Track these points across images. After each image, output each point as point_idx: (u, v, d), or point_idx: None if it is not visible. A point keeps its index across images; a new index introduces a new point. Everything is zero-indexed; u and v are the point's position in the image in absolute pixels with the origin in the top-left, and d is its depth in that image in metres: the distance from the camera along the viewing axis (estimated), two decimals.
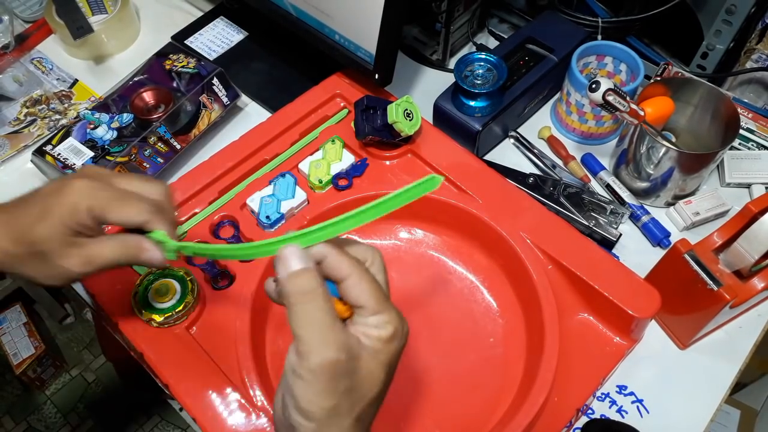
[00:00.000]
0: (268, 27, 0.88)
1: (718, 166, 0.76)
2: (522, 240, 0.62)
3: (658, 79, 0.78)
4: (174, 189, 0.67)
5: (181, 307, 0.59)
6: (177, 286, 0.60)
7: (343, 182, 0.69)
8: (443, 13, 0.80)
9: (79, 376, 1.65)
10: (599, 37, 0.80)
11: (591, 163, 0.77)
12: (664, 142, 0.67)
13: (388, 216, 0.67)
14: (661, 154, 0.67)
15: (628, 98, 0.64)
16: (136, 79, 0.79)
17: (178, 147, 0.75)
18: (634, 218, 0.72)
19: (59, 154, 0.73)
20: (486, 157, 0.79)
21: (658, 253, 0.68)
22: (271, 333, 0.61)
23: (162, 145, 0.74)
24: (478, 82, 0.73)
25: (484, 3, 0.86)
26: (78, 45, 0.86)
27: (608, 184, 0.74)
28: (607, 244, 0.69)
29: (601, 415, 0.60)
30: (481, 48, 0.88)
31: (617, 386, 0.62)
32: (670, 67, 0.79)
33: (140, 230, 0.47)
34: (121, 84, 0.79)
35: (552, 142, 0.79)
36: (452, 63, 0.85)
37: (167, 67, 0.79)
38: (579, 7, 0.84)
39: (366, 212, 0.38)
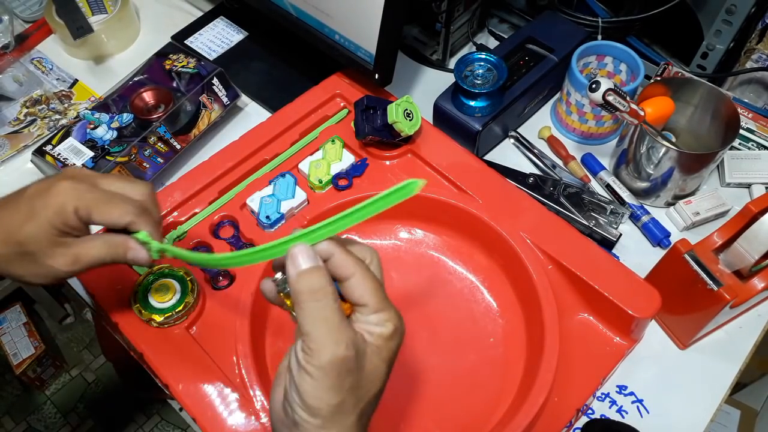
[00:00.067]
0: (268, 27, 0.88)
1: (718, 166, 0.76)
2: (522, 240, 0.62)
3: (658, 79, 0.78)
4: (174, 189, 0.67)
5: (181, 307, 0.59)
6: (177, 286, 0.60)
7: (343, 182, 0.69)
8: (443, 13, 0.80)
9: (79, 376, 1.65)
10: (599, 37, 0.80)
11: (591, 163, 0.77)
12: (664, 142, 0.67)
13: (388, 216, 0.67)
14: (661, 154, 0.67)
15: (628, 98, 0.64)
16: (136, 79, 0.79)
17: (178, 147, 0.75)
18: (634, 218, 0.72)
19: (59, 154, 0.73)
20: (486, 157, 0.79)
21: (658, 253, 0.68)
22: (271, 333, 0.61)
23: (162, 145, 0.74)
24: (478, 82, 0.73)
25: (484, 3, 0.86)
26: (78, 45, 0.86)
27: (608, 184, 0.74)
28: (607, 244, 0.69)
29: (602, 415, 0.60)
30: (481, 48, 0.88)
31: (617, 386, 0.62)
32: (670, 67, 0.79)
33: (125, 231, 0.48)
34: (121, 84, 0.79)
35: (552, 142, 0.79)
36: (452, 63, 0.85)
37: (167, 67, 0.79)
38: (579, 7, 0.84)
39: (352, 215, 0.38)
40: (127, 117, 0.75)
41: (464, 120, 0.73)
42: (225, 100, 0.79)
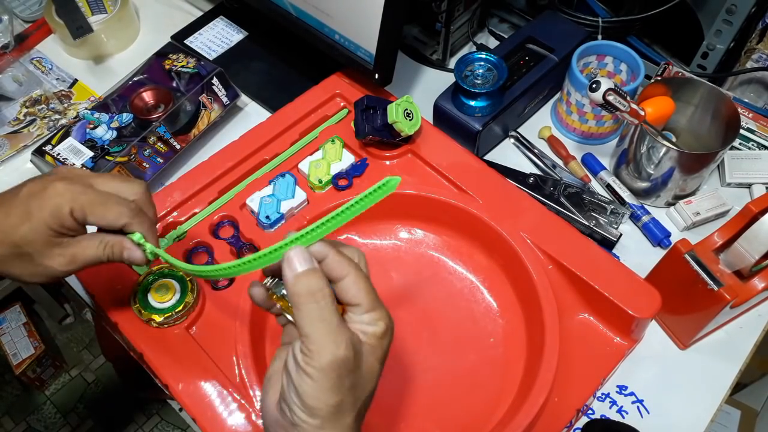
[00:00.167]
0: (268, 27, 0.88)
1: (718, 166, 0.76)
2: (522, 240, 0.62)
3: (659, 78, 0.78)
4: (174, 189, 0.67)
5: (180, 307, 0.59)
6: (177, 286, 0.60)
7: (343, 182, 0.68)
8: (443, 12, 0.80)
9: (78, 376, 1.65)
10: (599, 36, 0.80)
11: (591, 163, 0.77)
12: (665, 142, 0.67)
13: (388, 216, 0.67)
14: (661, 154, 0.67)
15: (628, 98, 0.64)
16: (135, 78, 0.79)
17: (178, 147, 0.75)
18: (634, 218, 0.72)
19: (59, 154, 0.73)
20: (486, 157, 0.78)
21: (659, 253, 0.68)
22: (271, 333, 0.61)
23: (161, 145, 0.74)
24: (479, 81, 0.73)
25: (484, 3, 0.86)
26: (78, 45, 0.86)
27: (608, 184, 0.74)
28: (608, 244, 0.69)
29: (602, 416, 0.60)
30: (481, 48, 0.88)
31: (617, 386, 0.62)
32: (670, 66, 0.79)
33: (120, 231, 0.49)
34: (120, 84, 0.79)
35: (552, 142, 0.79)
36: (452, 63, 0.85)
37: (167, 66, 0.79)
38: (579, 7, 0.84)
39: (339, 216, 0.38)
40: (126, 117, 0.75)
41: (464, 120, 0.73)
42: (225, 100, 0.79)
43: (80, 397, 1.61)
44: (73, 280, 0.67)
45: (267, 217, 0.65)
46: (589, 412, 0.61)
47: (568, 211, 0.70)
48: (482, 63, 0.74)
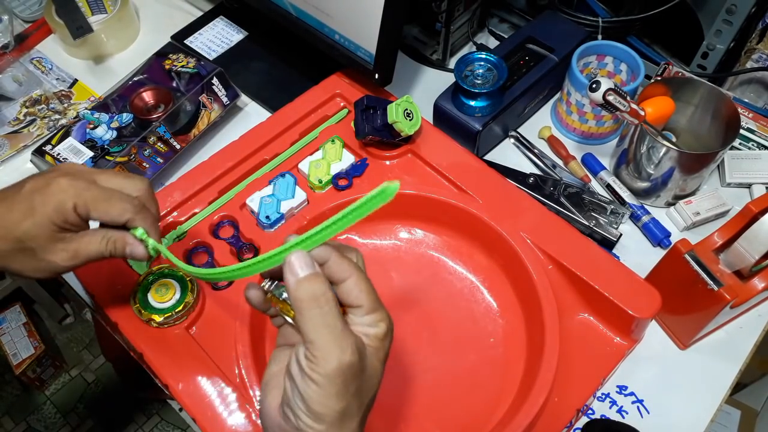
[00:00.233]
0: (268, 27, 0.88)
1: (718, 166, 0.76)
2: (522, 240, 0.62)
3: (659, 78, 0.78)
4: (174, 189, 0.67)
5: (180, 307, 0.59)
6: (177, 286, 0.60)
7: (343, 182, 0.68)
8: (443, 12, 0.80)
9: (78, 376, 1.65)
10: (599, 36, 0.80)
11: (591, 163, 0.77)
12: (665, 142, 0.67)
13: (388, 216, 0.67)
14: (661, 154, 0.67)
15: (628, 98, 0.64)
16: (135, 78, 0.79)
17: (178, 147, 0.75)
18: (634, 218, 0.72)
19: (59, 154, 0.73)
20: (486, 157, 0.78)
21: (659, 253, 0.68)
22: (271, 333, 0.61)
23: (162, 145, 0.74)
24: (479, 81, 0.73)
25: (484, 3, 0.86)
26: (78, 45, 0.86)
27: (608, 184, 0.74)
28: (608, 244, 0.69)
29: (602, 416, 0.60)
30: (481, 48, 0.88)
31: (617, 386, 0.62)
32: (670, 66, 0.79)
33: (123, 227, 0.49)
34: (120, 84, 0.79)
35: (552, 142, 0.79)
36: (452, 63, 0.85)
37: (167, 66, 0.79)
38: (579, 7, 0.84)
39: (339, 222, 0.38)
40: (126, 117, 0.75)
41: (464, 120, 0.73)
42: (225, 99, 0.79)
43: (80, 397, 1.61)
44: (73, 280, 0.67)
45: (267, 217, 0.65)
46: (589, 412, 0.61)
47: (568, 211, 0.70)
48: (482, 63, 0.74)
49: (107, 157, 0.71)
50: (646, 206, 0.73)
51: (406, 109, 0.67)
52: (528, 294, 0.61)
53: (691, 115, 0.74)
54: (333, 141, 0.71)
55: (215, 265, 0.63)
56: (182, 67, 0.78)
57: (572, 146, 0.79)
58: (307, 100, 0.74)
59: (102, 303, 0.60)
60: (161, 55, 0.80)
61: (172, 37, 0.90)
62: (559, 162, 0.77)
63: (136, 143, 0.72)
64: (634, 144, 0.70)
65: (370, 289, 0.38)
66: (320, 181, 0.68)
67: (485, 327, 0.63)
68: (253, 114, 0.83)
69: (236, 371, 0.56)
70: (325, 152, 0.70)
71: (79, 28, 0.81)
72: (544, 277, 0.60)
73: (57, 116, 0.83)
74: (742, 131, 0.77)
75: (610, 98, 0.63)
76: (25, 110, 0.84)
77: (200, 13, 0.93)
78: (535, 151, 0.78)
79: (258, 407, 0.54)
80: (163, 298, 0.59)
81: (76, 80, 0.87)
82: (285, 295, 0.39)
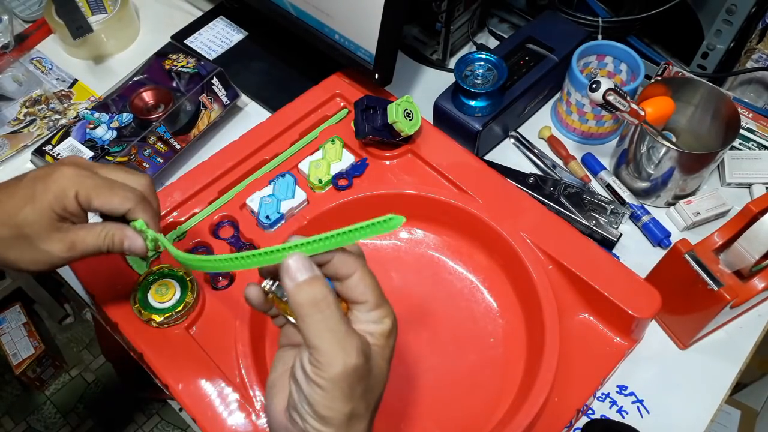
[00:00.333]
0: (268, 27, 0.88)
1: (718, 166, 0.76)
2: (522, 240, 0.62)
3: (659, 78, 0.78)
4: (174, 189, 0.67)
5: (180, 307, 0.59)
6: (177, 286, 0.60)
7: (343, 182, 0.68)
8: (443, 12, 0.80)
9: (78, 376, 1.65)
10: (599, 36, 0.80)
11: (591, 163, 0.77)
12: (665, 142, 0.67)
13: None
14: (661, 154, 0.67)
15: (628, 98, 0.64)
16: (135, 78, 0.79)
17: (178, 147, 0.75)
18: (634, 218, 0.72)
19: (59, 154, 0.73)
20: (486, 157, 0.78)
21: (659, 253, 0.68)
22: (271, 333, 0.61)
23: (162, 145, 0.74)
24: (479, 81, 0.73)
25: (484, 3, 0.86)
26: (77, 45, 0.86)
27: (608, 184, 0.74)
28: (608, 244, 0.69)
29: (602, 416, 0.60)
30: (481, 48, 0.88)
31: (617, 386, 0.62)
32: (670, 66, 0.79)
33: (122, 220, 0.48)
34: (120, 84, 0.79)
35: (552, 142, 0.79)
36: (452, 63, 0.85)
37: (167, 66, 0.79)
38: (579, 7, 0.84)
39: (341, 236, 0.37)
40: (126, 117, 0.75)
41: (464, 120, 0.73)
42: (225, 99, 0.79)
43: (80, 397, 1.61)
44: (73, 280, 0.67)
45: (267, 217, 0.65)
46: (589, 412, 0.61)
47: (568, 211, 0.70)
48: (482, 63, 0.74)
49: (107, 157, 0.71)
50: (646, 206, 0.73)
51: (406, 109, 0.67)
52: (528, 294, 0.61)
53: (691, 115, 0.74)
54: (333, 141, 0.71)
55: None
56: (182, 67, 0.78)
57: (572, 146, 0.79)
58: (307, 100, 0.74)
59: (102, 303, 0.60)
60: (161, 55, 0.80)
61: (172, 37, 0.90)
62: (559, 162, 0.77)
63: (136, 143, 0.72)
64: (634, 144, 0.70)
65: (375, 284, 0.37)
66: (320, 181, 0.68)
67: (485, 327, 0.63)
68: (253, 114, 0.83)
69: (236, 371, 0.56)
70: (325, 152, 0.70)
71: (79, 28, 0.81)
72: (544, 277, 0.60)
73: (57, 116, 0.83)
74: (742, 131, 0.77)
75: (610, 98, 0.63)
76: (25, 110, 0.84)
77: (200, 13, 0.93)
78: (535, 151, 0.78)
79: (258, 407, 0.54)
80: (163, 298, 0.59)
81: (76, 80, 0.87)
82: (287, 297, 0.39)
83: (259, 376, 0.55)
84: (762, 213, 0.57)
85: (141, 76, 0.79)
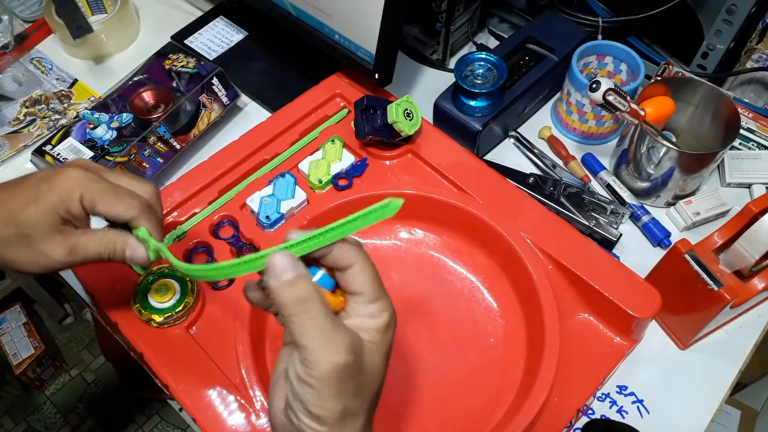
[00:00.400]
0: (268, 27, 0.88)
1: (718, 166, 0.76)
2: (522, 240, 0.62)
3: (659, 78, 0.78)
4: (174, 189, 0.67)
5: (180, 307, 0.59)
6: (177, 286, 0.60)
7: (343, 182, 0.68)
8: (443, 12, 0.80)
9: (78, 376, 1.65)
10: (599, 36, 0.80)
11: (591, 163, 0.77)
12: (665, 142, 0.67)
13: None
14: (661, 154, 0.67)
15: (628, 98, 0.64)
16: (135, 78, 0.79)
17: (178, 147, 0.75)
18: (634, 218, 0.72)
19: (59, 154, 0.73)
20: (486, 157, 0.78)
21: (659, 253, 0.68)
22: (271, 333, 0.61)
23: (161, 145, 0.74)
24: (479, 81, 0.73)
25: (484, 3, 0.86)
26: (77, 45, 0.86)
27: (608, 184, 0.74)
28: (608, 244, 0.69)
29: (602, 416, 0.60)
30: (481, 48, 0.88)
31: (617, 386, 0.62)
32: (670, 66, 0.79)
33: (125, 227, 0.48)
34: (120, 84, 0.79)
35: (552, 142, 0.79)
36: (452, 63, 0.85)
37: (167, 66, 0.79)
38: (579, 7, 0.84)
39: (337, 229, 0.37)
40: (126, 117, 0.75)
41: (464, 120, 0.73)
42: (225, 99, 0.79)
43: (80, 397, 1.61)
44: (73, 280, 0.67)
45: (267, 217, 0.65)
46: (589, 412, 0.61)
47: (568, 211, 0.70)
48: (482, 63, 0.74)
49: (107, 157, 0.71)
50: (646, 206, 0.73)
51: (406, 109, 0.67)
52: (528, 294, 0.61)
53: (691, 115, 0.74)
54: (333, 141, 0.71)
55: None
56: (182, 67, 0.78)
57: (572, 146, 0.79)
58: (307, 100, 0.74)
59: (102, 303, 0.60)
60: (161, 55, 0.80)
61: (172, 37, 0.90)
62: (559, 162, 0.77)
63: (136, 143, 0.72)
64: (634, 144, 0.70)
65: (374, 276, 0.37)
66: (320, 181, 0.68)
67: (485, 327, 0.63)
68: (253, 114, 0.83)
69: (236, 371, 0.56)
70: (325, 152, 0.70)
71: (79, 28, 0.81)
72: (544, 277, 0.60)
73: (57, 116, 0.83)
74: (742, 131, 0.77)
75: (610, 98, 0.63)
76: (25, 110, 0.84)
77: (200, 13, 0.93)
78: (535, 151, 0.78)
79: (258, 407, 0.54)
80: (163, 298, 0.59)
81: (76, 80, 0.87)
82: None
83: (259, 376, 0.55)
84: (762, 213, 0.57)
85: (141, 76, 0.79)
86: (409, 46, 0.89)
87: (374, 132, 0.68)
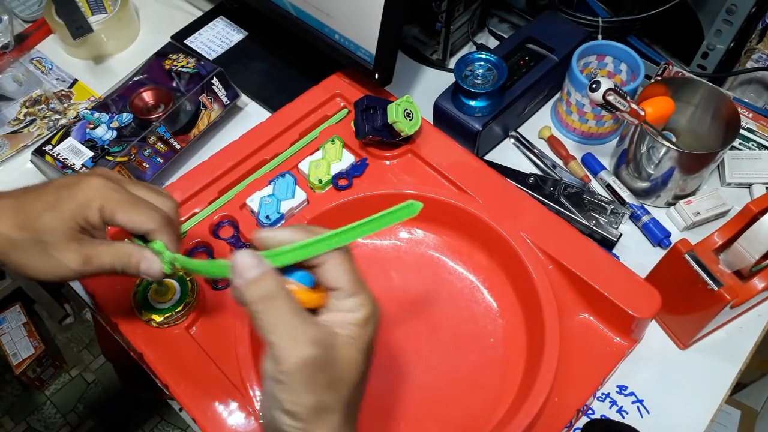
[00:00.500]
0: (268, 27, 0.88)
1: (718, 166, 0.76)
2: (522, 240, 0.62)
3: (659, 78, 0.78)
4: (174, 189, 0.67)
5: (181, 307, 0.59)
6: (177, 286, 0.60)
7: (343, 182, 0.68)
8: (443, 12, 0.80)
9: (78, 376, 1.65)
10: (599, 36, 0.80)
11: (591, 163, 0.77)
12: (665, 142, 0.67)
13: None
14: (661, 154, 0.67)
15: (628, 98, 0.64)
16: (135, 78, 0.78)
17: (178, 147, 0.75)
18: (634, 218, 0.72)
19: (59, 154, 0.73)
20: (486, 157, 0.78)
21: (659, 253, 0.68)
22: None
23: (161, 145, 0.74)
24: (479, 81, 0.73)
25: (484, 3, 0.86)
26: (77, 45, 0.86)
27: (608, 184, 0.74)
28: (608, 244, 0.69)
29: (602, 416, 0.60)
30: (481, 48, 0.88)
31: (617, 386, 0.62)
32: (670, 66, 0.79)
33: (141, 239, 0.47)
34: (120, 84, 0.79)
35: (552, 142, 0.79)
36: (452, 63, 0.85)
37: (167, 66, 0.79)
38: (579, 7, 0.84)
39: (355, 230, 0.37)
40: (126, 117, 0.75)
41: (464, 120, 0.73)
42: (225, 99, 0.79)
43: (80, 397, 1.61)
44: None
45: (267, 217, 0.65)
46: (589, 412, 0.61)
47: (568, 211, 0.70)
48: (482, 63, 0.74)
49: (107, 157, 0.71)
50: (646, 206, 0.73)
51: (406, 109, 0.67)
52: (528, 294, 0.61)
53: (691, 115, 0.74)
54: (333, 141, 0.71)
55: None
56: (182, 67, 0.78)
57: (572, 146, 0.79)
58: (307, 100, 0.74)
59: (102, 303, 0.60)
60: (161, 55, 0.80)
61: (172, 37, 0.90)
62: (559, 162, 0.77)
63: (136, 143, 0.72)
64: (634, 144, 0.70)
65: (351, 270, 0.37)
66: (320, 181, 0.68)
67: (485, 327, 0.63)
68: (253, 114, 0.83)
69: (236, 371, 0.56)
70: (325, 152, 0.70)
71: (79, 28, 0.81)
72: (544, 277, 0.60)
73: (57, 116, 0.83)
74: (742, 131, 0.77)
75: (610, 98, 0.63)
76: (25, 110, 0.84)
77: (200, 13, 0.93)
78: (535, 151, 0.78)
79: (258, 407, 0.54)
80: (164, 298, 0.59)
81: (76, 80, 0.87)
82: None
83: (258, 376, 0.55)
84: (762, 213, 0.57)
85: (141, 76, 0.79)
86: (409, 46, 0.89)
87: (374, 132, 0.68)
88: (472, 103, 0.73)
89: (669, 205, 0.73)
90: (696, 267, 0.57)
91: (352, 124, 0.70)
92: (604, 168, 0.76)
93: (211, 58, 0.87)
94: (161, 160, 0.73)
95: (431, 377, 0.60)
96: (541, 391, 0.54)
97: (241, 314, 0.58)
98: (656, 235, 0.70)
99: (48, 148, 0.73)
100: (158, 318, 0.58)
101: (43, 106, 0.84)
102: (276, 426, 0.36)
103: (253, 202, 0.67)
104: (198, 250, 0.65)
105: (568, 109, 0.77)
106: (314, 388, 0.35)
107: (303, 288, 0.38)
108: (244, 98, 0.83)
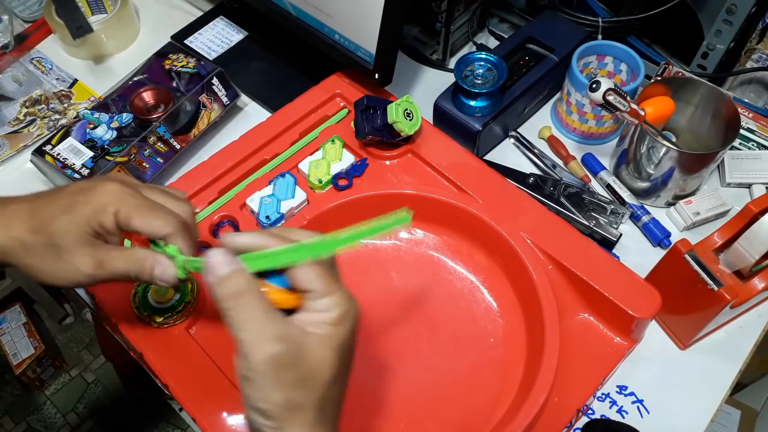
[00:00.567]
0: (268, 27, 0.88)
1: (718, 166, 0.76)
2: (522, 240, 0.62)
3: (659, 78, 0.78)
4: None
5: (181, 307, 0.59)
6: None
7: (343, 182, 0.68)
8: (443, 12, 0.80)
9: (78, 376, 1.65)
10: (599, 36, 0.80)
11: (591, 163, 0.77)
12: (665, 142, 0.67)
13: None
14: (661, 154, 0.67)
15: (628, 98, 0.64)
16: (135, 78, 0.78)
17: (178, 147, 0.75)
18: (634, 218, 0.72)
19: (59, 154, 0.73)
20: (486, 157, 0.78)
21: (659, 253, 0.68)
22: None
23: (161, 145, 0.74)
24: (479, 81, 0.73)
25: (484, 3, 0.86)
26: (77, 45, 0.86)
27: (608, 184, 0.74)
28: (608, 244, 0.69)
29: (602, 416, 0.60)
30: (481, 48, 0.88)
31: (617, 386, 0.62)
32: (670, 66, 0.79)
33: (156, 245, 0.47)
34: (120, 84, 0.79)
35: (552, 142, 0.79)
36: (452, 63, 0.85)
37: (167, 66, 0.79)
38: (579, 7, 0.84)
39: (347, 238, 0.38)
40: (126, 117, 0.75)
41: (464, 120, 0.73)
42: (225, 99, 0.79)
43: (80, 397, 1.61)
44: None
45: (267, 217, 0.65)
46: (589, 412, 0.61)
47: (568, 211, 0.70)
48: (482, 63, 0.74)
49: (107, 157, 0.71)
50: (646, 206, 0.73)
51: (406, 109, 0.67)
52: (528, 294, 0.61)
53: (691, 115, 0.74)
54: (333, 141, 0.71)
55: None
56: (182, 67, 0.78)
57: (572, 146, 0.79)
58: (307, 100, 0.74)
59: (102, 303, 0.60)
60: (161, 55, 0.80)
61: (172, 37, 0.90)
62: (559, 162, 0.77)
63: (136, 143, 0.72)
64: (634, 144, 0.70)
65: (322, 272, 0.37)
66: (320, 181, 0.68)
67: (485, 327, 0.63)
68: (253, 114, 0.83)
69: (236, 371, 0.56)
70: (325, 152, 0.70)
71: (79, 28, 0.81)
72: (544, 277, 0.60)
73: (57, 116, 0.83)
74: (742, 131, 0.77)
75: (610, 98, 0.63)
76: (25, 110, 0.84)
77: (200, 13, 0.94)
78: (535, 151, 0.78)
79: None
80: (163, 298, 0.59)
81: (76, 80, 0.87)
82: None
83: None
84: (762, 213, 0.57)
85: (141, 76, 0.79)
86: (409, 46, 0.89)
87: (374, 132, 0.68)
88: (472, 103, 0.73)
89: (669, 205, 0.73)
90: (696, 267, 0.57)
91: (352, 124, 0.70)
92: (604, 168, 0.76)
93: (211, 58, 0.87)
94: (161, 160, 0.73)
95: (431, 377, 0.60)
96: (541, 391, 0.54)
97: None
98: (656, 235, 0.70)
99: (48, 148, 0.73)
100: (158, 318, 0.58)
101: (43, 106, 0.84)
102: (254, 427, 0.36)
103: (253, 202, 0.67)
104: (198, 250, 0.65)
105: (568, 109, 0.77)
106: (282, 386, 0.35)
107: (278, 288, 0.38)
108: (244, 98, 0.83)
